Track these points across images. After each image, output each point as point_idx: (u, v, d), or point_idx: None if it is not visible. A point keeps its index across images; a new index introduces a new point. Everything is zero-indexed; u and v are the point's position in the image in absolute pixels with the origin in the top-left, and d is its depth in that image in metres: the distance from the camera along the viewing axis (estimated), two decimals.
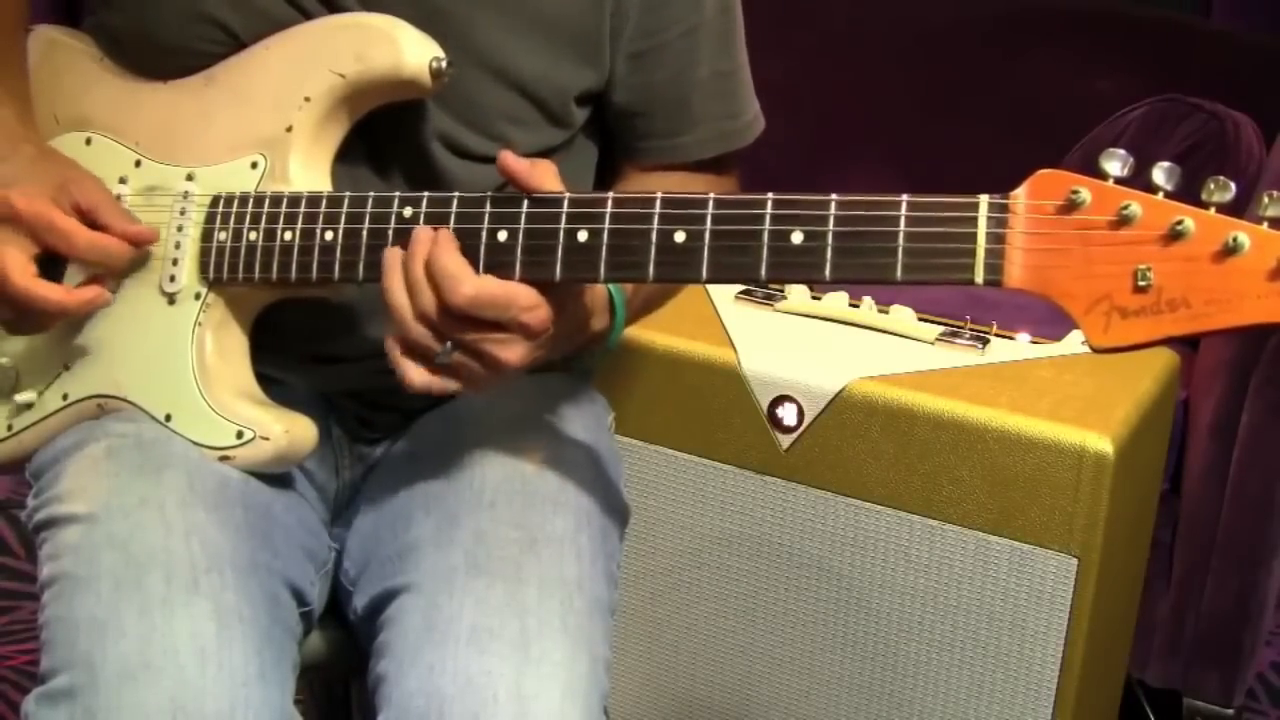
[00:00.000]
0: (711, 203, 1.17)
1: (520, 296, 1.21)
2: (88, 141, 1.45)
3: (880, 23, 3.04)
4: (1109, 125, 2.69)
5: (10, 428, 1.45)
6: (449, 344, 1.22)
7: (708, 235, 1.17)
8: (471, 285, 1.20)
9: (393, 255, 1.24)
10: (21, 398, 1.44)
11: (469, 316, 1.21)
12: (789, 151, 2.68)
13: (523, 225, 1.22)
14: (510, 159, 1.24)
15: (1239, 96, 2.62)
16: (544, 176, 1.24)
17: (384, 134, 1.40)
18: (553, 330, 1.25)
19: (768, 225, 1.15)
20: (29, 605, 2.72)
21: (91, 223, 1.35)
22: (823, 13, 3.07)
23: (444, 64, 1.32)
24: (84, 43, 1.50)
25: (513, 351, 1.23)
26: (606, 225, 1.20)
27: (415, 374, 1.24)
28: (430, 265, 1.21)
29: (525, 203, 1.23)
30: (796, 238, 1.14)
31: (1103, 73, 2.80)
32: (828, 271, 1.13)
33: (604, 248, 1.20)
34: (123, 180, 1.42)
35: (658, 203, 1.19)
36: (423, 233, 1.24)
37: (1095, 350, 1.05)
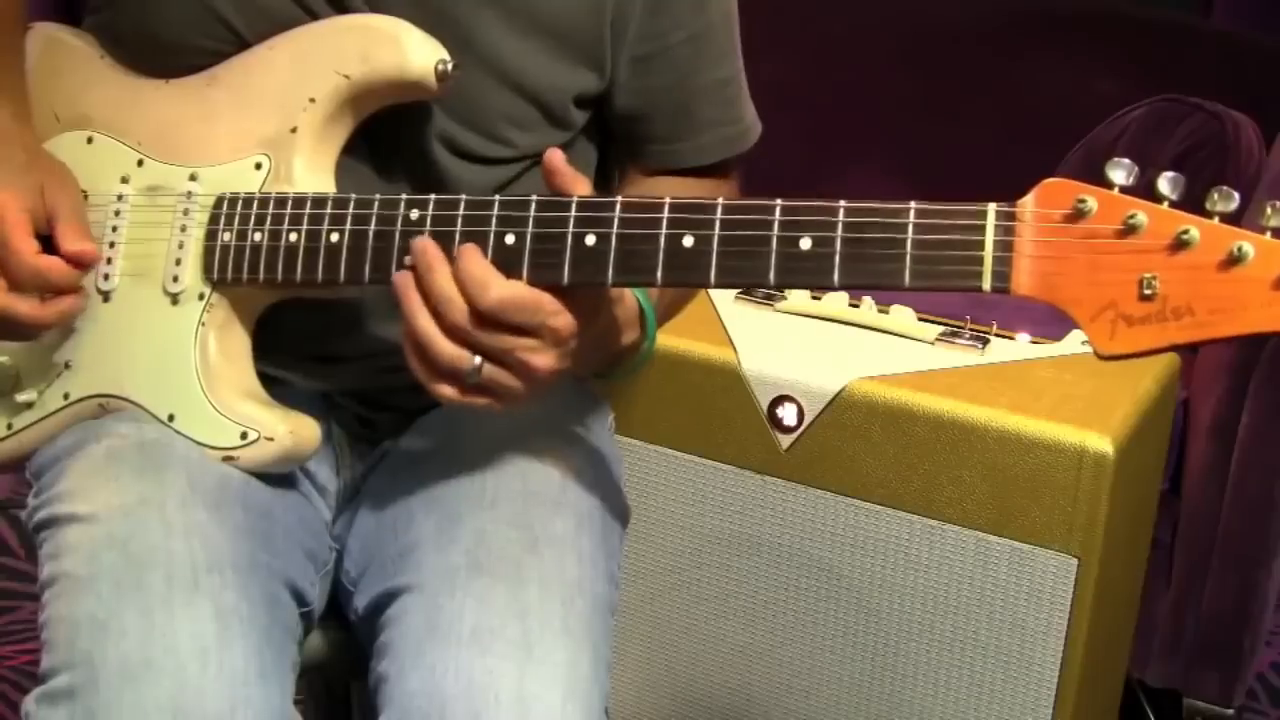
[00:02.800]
0: (720, 208, 1.17)
1: (546, 301, 1.21)
2: (89, 140, 1.45)
3: (880, 24, 3.04)
4: (1109, 125, 2.69)
5: (10, 427, 1.45)
6: (479, 361, 1.22)
7: (716, 240, 1.17)
8: (499, 288, 1.20)
9: (404, 279, 1.23)
10: (22, 397, 1.43)
11: (498, 322, 1.20)
12: (789, 153, 2.67)
13: (530, 229, 1.22)
14: (559, 158, 1.24)
15: (1239, 96, 2.62)
16: (583, 188, 1.24)
17: (384, 134, 1.40)
18: (579, 340, 1.24)
19: (776, 231, 1.15)
20: (29, 605, 2.72)
21: (49, 230, 1.35)
22: (823, 14, 3.07)
23: (449, 66, 1.32)
24: (84, 41, 1.49)
25: (542, 359, 1.23)
26: (615, 229, 1.20)
27: (449, 392, 1.24)
28: (457, 272, 1.20)
29: (533, 206, 1.22)
30: (805, 244, 1.14)
31: (1103, 73, 2.80)
32: (836, 277, 1.13)
33: (612, 252, 1.20)
34: (124, 180, 1.42)
35: (666, 207, 1.19)
36: (430, 247, 1.23)
37: (1101, 358, 1.05)
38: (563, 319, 1.22)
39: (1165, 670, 2.35)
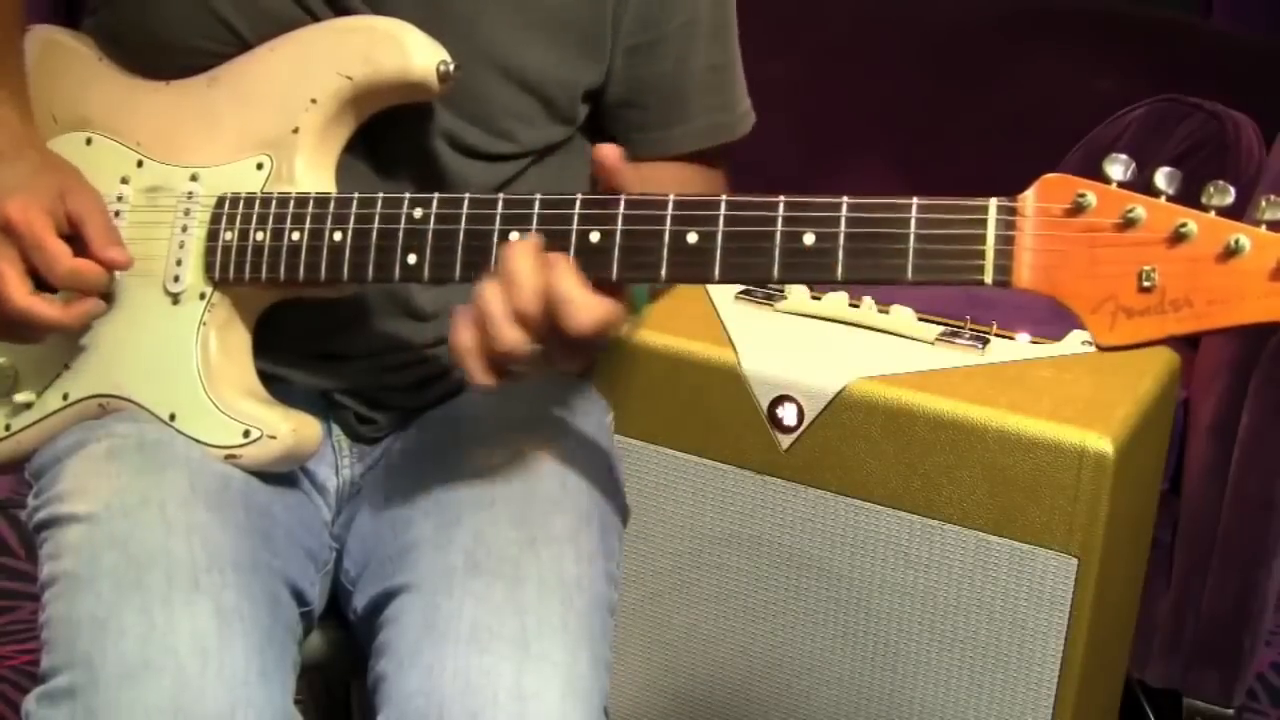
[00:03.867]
0: (724, 204, 1.17)
1: (619, 316, 1.20)
2: (88, 142, 1.45)
3: (881, 23, 3.04)
4: (1109, 125, 2.69)
5: (9, 428, 1.45)
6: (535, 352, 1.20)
7: (720, 236, 1.17)
8: (592, 313, 1.17)
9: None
10: (21, 397, 1.44)
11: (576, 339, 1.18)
12: (789, 151, 2.68)
13: (534, 226, 1.22)
14: (617, 155, 1.21)
15: (1239, 96, 2.62)
16: (634, 186, 1.22)
17: (387, 133, 1.40)
18: None
19: (780, 226, 1.15)
20: (29, 605, 2.72)
21: (75, 235, 1.35)
22: (824, 13, 3.07)
23: (451, 67, 1.33)
24: (83, 43, 1.50)
25: (584, 361, 1.24)
26: (619, 226, 1.20)
27: (489, 379, 1.21)
28: (549, 287, 1.17)
29: (537, 204, 1.23)
30: (808, 239, 1.14)
31: (1103, 73, 2.80)
32: (839, 272, 1.14)
33: (616, 248, 1.20)
34: (124, 180, 1.42)
35: (670, 204, 1.19)
36: (531, 236, 1.21)
37: (1101, 349, 1.06)
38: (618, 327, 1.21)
39: (1165, 670, 2.35)
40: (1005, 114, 2.88)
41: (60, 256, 1.32)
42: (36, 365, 1.43)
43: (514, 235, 1.22)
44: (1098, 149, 2.39)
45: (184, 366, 1.36)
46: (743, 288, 2.15)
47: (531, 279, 1.17)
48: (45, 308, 1.33)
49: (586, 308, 1.17)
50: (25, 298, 1.31)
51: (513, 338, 1.18)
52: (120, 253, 1.36)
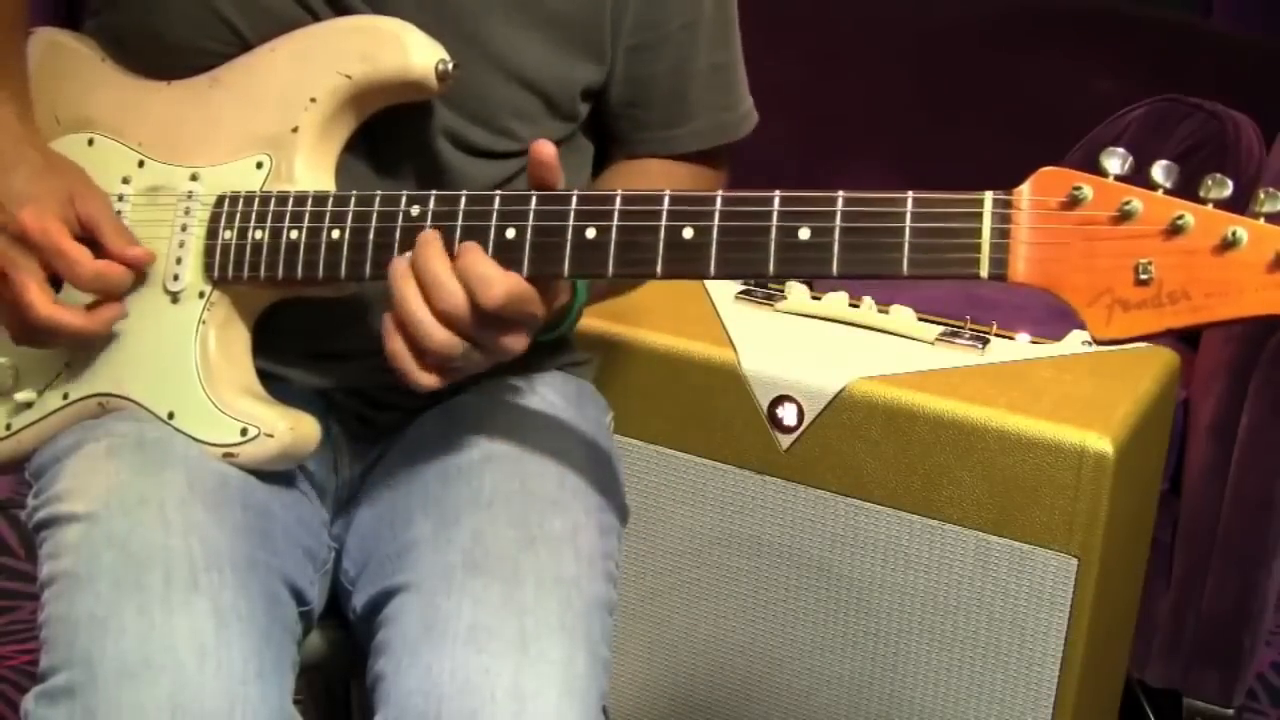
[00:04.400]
0: (719, 200, 1.18)
1: (533, 291, 1.23)
2: (90, 142, 1.45)
3: (881, 23, 3.04)
4: (1109, 125, 2.69)
5: (9, 427, 1.45)
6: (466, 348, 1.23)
7: (716, 231, 1.17)
8: (502, 284, 1.20)
9: (402, 265, 1.23)
10: (21, 397, 1.44)
11: (495, 316, 1.21)
12: (789, 151, 2.68)
13: (531, 223, 1.22)
14: (551, 152, 1.24)
15: (1239, 96, 2.62)
16: (561, 183, 1.25)
17: (387, 132, 1.41)
18: None
19: (775, 221, 1.15)
20: (29, 605, 2.72)
21: (90, 238, 1.35)
22: (824, 13, 3.08)
23: (450, 66, 1.33)
24: (85, 44, 1.50)
25: (521, 342, 1.25)
26: (615, 222, 1.20)
27: (429, 379, 1.24)
28: (460, 268, 1.21)
29: (534, 200, 1.23)
30: (804, 234, 1.14)
31: (1103, 73, 2.81)
32: (835, 267, 1.14)
33: (612, 244, 1.20)
34: (125, 180, 1.42)
35: (666, 200, 1.19)
36: (435, 237, 1.23)
37: (1098, 342, 1.06)
38: (540, 304, 1.24)
39: (1165, 670, 2.35)
40: (1005, 115, 2.88)
41: (83, 261, 1.33)
42: (37, 364, 1.43)
43: (510, 233, 1.23)
44: (1098, 149, 2.39)
45: (183, 365, 1.36)
46: (743, 288, 2.16)
47: (450, 277, 1.21)
48: (70, 316, 1.33)
49: (498, 281, 1.20)
50: (48, 307, 1.32)
51: (442, 338, 1.21)
52: (142, 251, 1.36)
